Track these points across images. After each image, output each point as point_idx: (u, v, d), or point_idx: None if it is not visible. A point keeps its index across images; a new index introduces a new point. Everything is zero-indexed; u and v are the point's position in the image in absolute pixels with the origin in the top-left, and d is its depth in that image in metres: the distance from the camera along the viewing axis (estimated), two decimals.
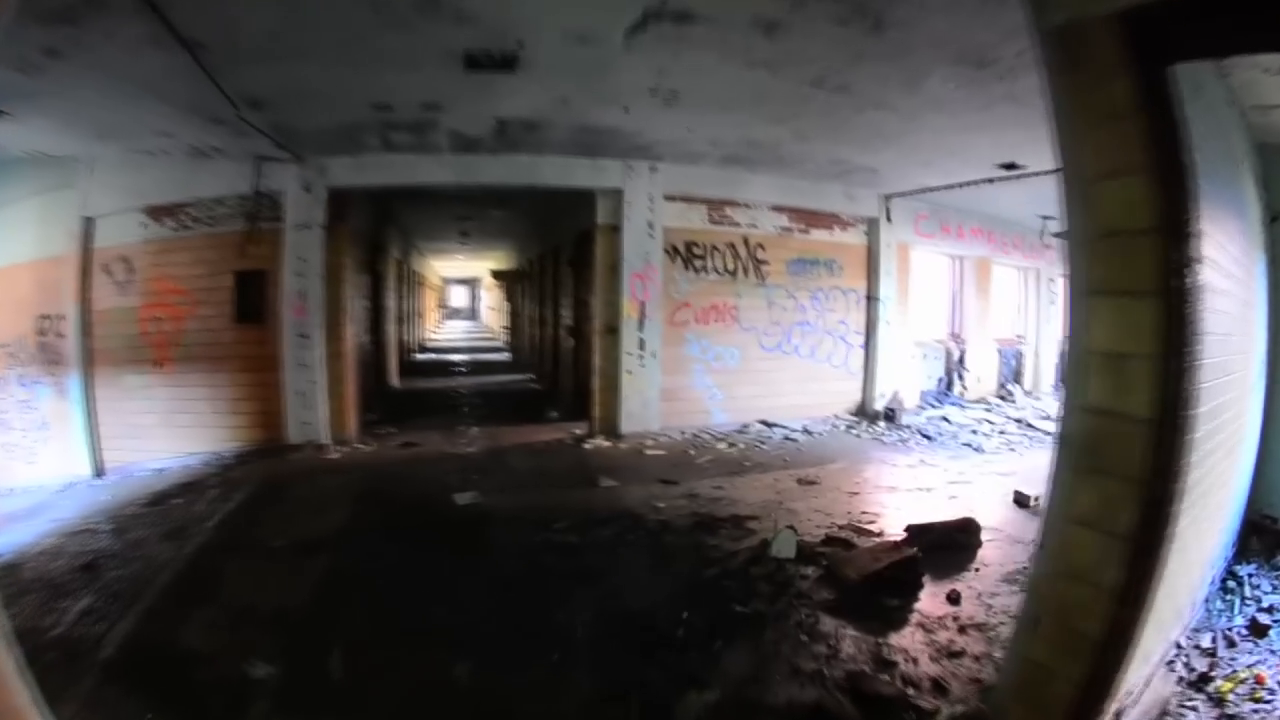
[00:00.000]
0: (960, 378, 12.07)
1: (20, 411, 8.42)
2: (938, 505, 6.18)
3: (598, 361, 8.68)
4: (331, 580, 4.48)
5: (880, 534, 5.33)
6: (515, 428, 9.45)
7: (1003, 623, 3.83)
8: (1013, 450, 8.81)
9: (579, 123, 6.77)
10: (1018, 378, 13.51)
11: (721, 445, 8.36)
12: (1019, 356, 13.66)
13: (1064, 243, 2.46)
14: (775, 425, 9.24)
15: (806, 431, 9.19)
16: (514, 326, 21.26)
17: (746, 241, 9.33)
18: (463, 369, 17.50)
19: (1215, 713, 3.01)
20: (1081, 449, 2.36)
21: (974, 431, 9.78)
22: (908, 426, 9.80)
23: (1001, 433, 9.84)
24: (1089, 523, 2.31)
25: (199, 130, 6.66)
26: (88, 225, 8.11)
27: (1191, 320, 2.15)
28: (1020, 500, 6.31)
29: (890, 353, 10.54)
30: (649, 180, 8.52)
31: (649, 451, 8.00)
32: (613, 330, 8.54)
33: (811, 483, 6.83)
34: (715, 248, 9.11)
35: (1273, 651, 3.49)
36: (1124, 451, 2.23)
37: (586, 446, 8.23)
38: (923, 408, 10.91)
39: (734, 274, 9.26)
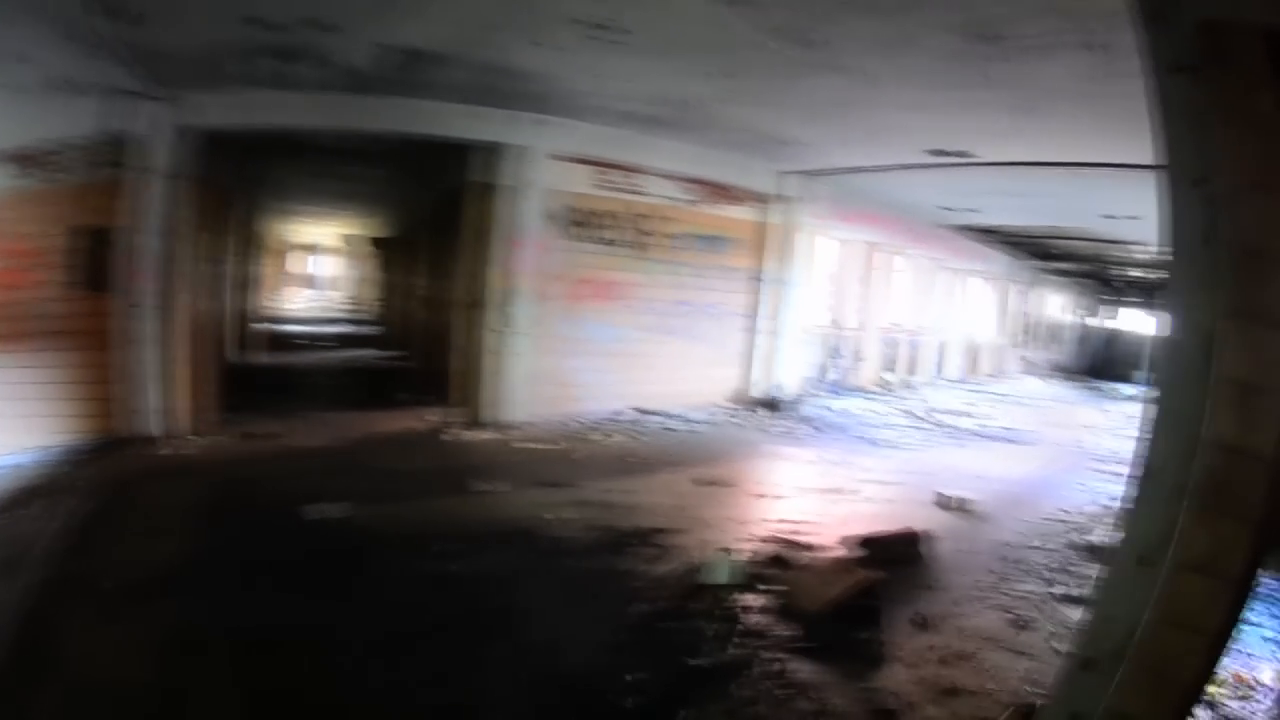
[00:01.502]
0: (843, 366, 11.87)
1: None
2: (858, 509, 5.81)
3: (462, 339, 7.63)
4: (171, 645, 3.21)
5: (813, 547, 4.77)
6: (380, 414, 8.19)
7: (981, 649, 3.60)
8: (911, 445, 8.59)
9: (489, 60, 5.65)
10: (898, 367, 13.58)
11: (597, 436, 7.52)
12: (900, 345, 13.70)
13: (1168, 247, 2.23)
14: (652, 413, 8.52)
15: (686, 420, 8.53)
16: (386, 299, 19.43)
17: (632, 210, 8.42)
18: (328, 343, 15.76)
19: (1211, 715, 3.07)
20: (1203, 487, 2.11)
21: (864, 423, 9.53)
22: (793, 416, 9.36)
23: (890, 424, 9.67)
24: (1201, 568, 2.10)
25: (47, 52, 5.31)
26: None
27: None
28: (943, 503, 6.03)
29: (775, 338, 10.04)
30: (537, 135, 7.43)
31: (519, 444, 7.01)
32: (478, 304, 7.46)
33: (711, 484, 6.16)
34: (598, 216, 8.14)
35: (1241, 651, 3.58)
36: (1246, 491, 2.05)
37: (451, 437, 7.15)
38: (806, 396, 10.56)
39: (615, 246, 8.34)
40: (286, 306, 25.11)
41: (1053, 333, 22.45)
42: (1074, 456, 9.00)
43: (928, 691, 3.18)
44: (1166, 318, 2.30)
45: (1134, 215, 9.82)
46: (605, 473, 6.23)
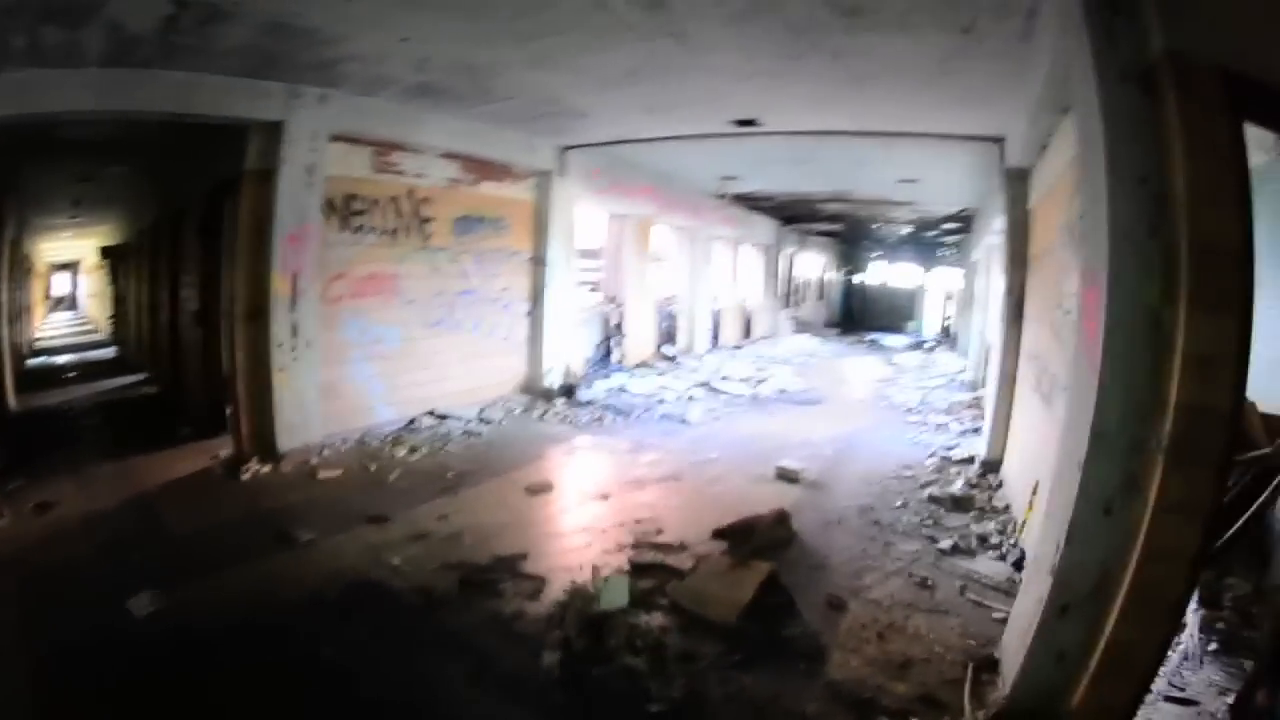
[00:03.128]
0: (619, 343, 11.77)
1: None
2: (701, 495, 5.74)
3: (241, 358, 6.46)
4: None
5: (684, 546, 4.58)
6: (150, 456, 6.83)
7: (906, 617, 3.70)
8: (717, 419, 8.71)
9: (275, 13, 4.76)
10: (677, 339, 13.81)
11: (401, 451, 6.80)
12: (678, 318, 13.93)
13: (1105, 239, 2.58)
14: (447, 416, 7.93)
15: (484, 420, 8.04)
16: (119, 315, 16.68)
17: (412, 195, 7.71)
18: (72, 374, 13.31)
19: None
20: (1175, 443, 2.43)
21: (662, 400, 9.53)
22: (590, 402, 9.17)
23: (691, 399, 9.77)
24: (1178, 509, 2.44)
25: None
26: None
27: (1248, 325, 2.43)
28: (787, 476, 6.11)
29: (558, 322, 9.72)
30: (316, 113, 6.47)
31: (323, 474, 6.15)
32: (259, 314, 6.41)
33: (541, 491, 5.78)
34: (377, 202, 7.35)
35: None
36: (1210, 443, 2.42)
37: (245, 477, 6.07)
38: (594, 378, 10.42)
39: (396, 235, 7.59)
40: (47, 333, 21.38)
41: (820, 291, 24.38)
42: (882, 411, 9.54)
43: (884, 670, 3.19)
44: (1107, 297, 2.54)
45: (916, 179, 10.74)
46: (429, 494, 5.64)
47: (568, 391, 9.29)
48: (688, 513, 5.16)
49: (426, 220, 7.88)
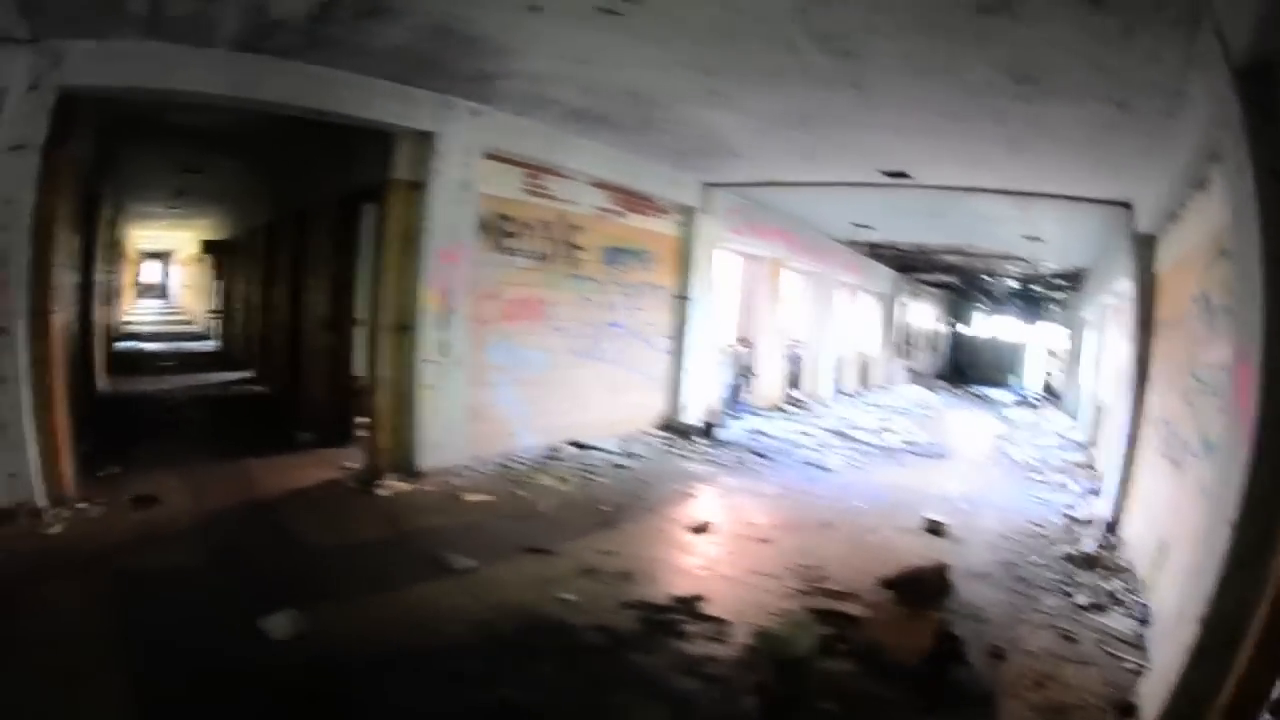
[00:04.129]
0: (749, 384, 11.77)
1: None
2: (857, 544, 5.68)
3: (384, 370, 6.38)
4: None
5: (851, 593, 4.55)
6: (265, 459, 6.70)
7: (1056, 668, 3.79)
8: (857, 468, 8.65)
9: (445, 18, 4.55)
10: (797, 383, 13.77)
11: (547, 480, 6.65)
12: (802, 362, 14.00)
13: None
14: (589, 447, 7.82)
15: (628, 454, 7.93)
16: (226, 311, 16.73)
17: (562, 220, 7.67)
18: (169, 364, 13.58)
19: None
20: None
21: (799, 445, 9.49)
22: (728, 443, 9.09)
23: (826, 446, 9.70)
24: None
25: None
26: None
27: None
28: (932, 528, 6.06)
29: (697, 359, 9.74)
30: (469, 127, 6.42)
31: (469, 497, 5.99)
32: (406, 327, 6.36)
33: (700, 530, 5.67)
34: (529, 225, 7.31)
35: None
36: None
37: (381, 492, 5.92)
38: (726, 418, 10.36)
39: (546, 260, 7.56)
40: (141, 320, 22.15)
41: (929, 341, 24.19)
42: (1004, 467, 9.54)
43: (1046, 716, 3.31)
44: (1262, 374, 2.67)
45: (1037, 236, 10.78)
46: (585, 527, 5.50)
47: (705, 430, 9.26)
48: (848, 560, 5.14)
49: (576, 248, 7.88)
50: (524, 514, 5.75)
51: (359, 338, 7.29)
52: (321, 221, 8.22)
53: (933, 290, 23.19)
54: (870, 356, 17.89)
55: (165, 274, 34.13)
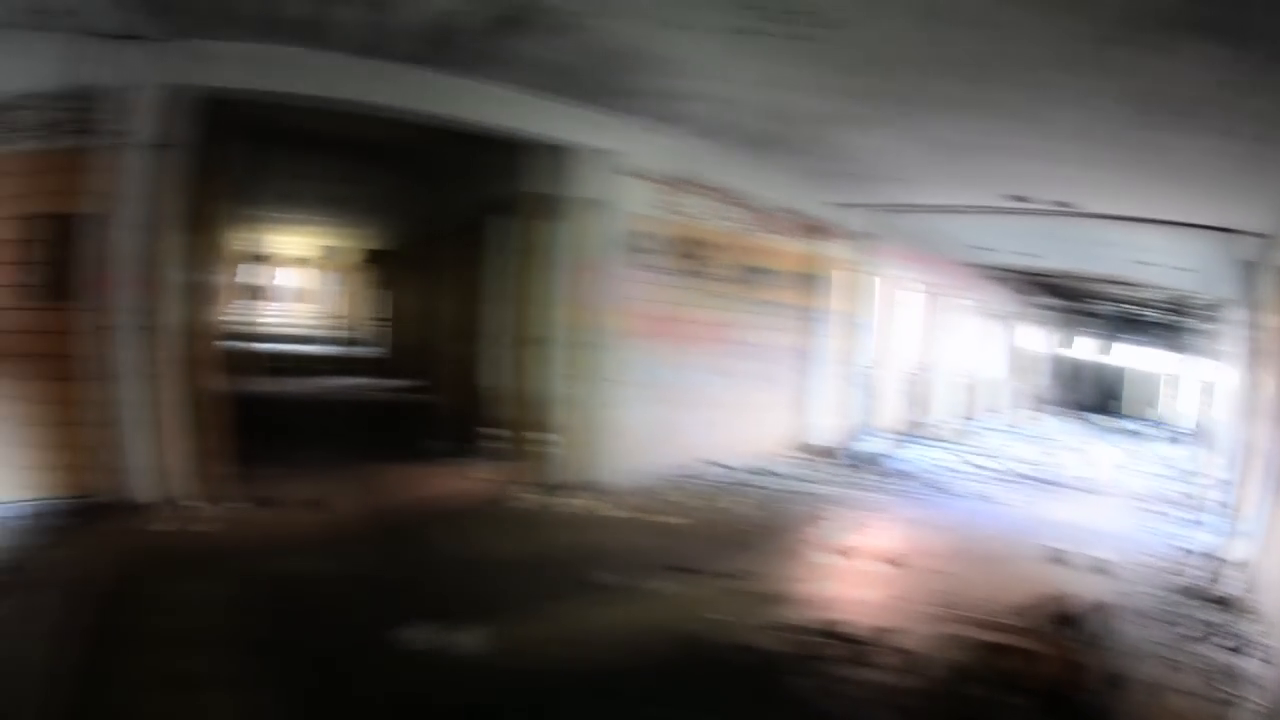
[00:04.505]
0: (878, 407, 11.49)
1: None
2: (1007, 573, 5.44)
3: (526, 384, 6.60)
4: None
5: (1011, 625, 4.38)
6: (422, 468, 6.96)
7: (1207, 704, 3.66)
8: (990, 495, 8.34)
9: (607, 32, 4.50)
10: (922, 407, 13.41)
11: (689, 499, 6.66)
12: (922, 385, 13.55)
13: None
14: (728, 466, 7.79)
15: (767, 474, 7.86)
16: (388, 319, 17.26)
17: (702, 238, 7.71)
18: (326, 367, 14.31)
19: None
20: None
21: (932, 470, 9.27)
22: (863, 465, 8.94)
23: (958, 471, 9.49)
24: None
25: None
26: None
27: None
28: (1073, 561, 5.80)
29: (832, 380, 9.68)
30: (620, 142, 6.53)
31: (611, 514, 6.07)
32: (548, 342, 6.57)
33: (848, 555, 5.53)
34: (669, 242, 7.38)
35: None
36: None
37: (525, 504, 6.12)
38: (856, 441, 10.14)
39: (686, 277, 7.61)
40: (273, 320, 23.65)
41: (1042, 365, 22.79)
42: (1133, 499, 9.11)
43: None
44: None
45: (1163, 264, 10.36)
46: (730, 548, 5.36)
47: (841, 453, 9.23)
48: (1001, 591, 4.94)
49: (715, 266, 7.88)
50: (665, 531, 5.75)
51: (505, 350, 7.52)
52: (477, 233, 8.52)
53: (1045, 314, 21.76)
54: (988, 380, 17.13)
55: (305, 278, 36.26)
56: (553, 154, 6.43)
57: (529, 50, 4.89)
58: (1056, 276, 14.38)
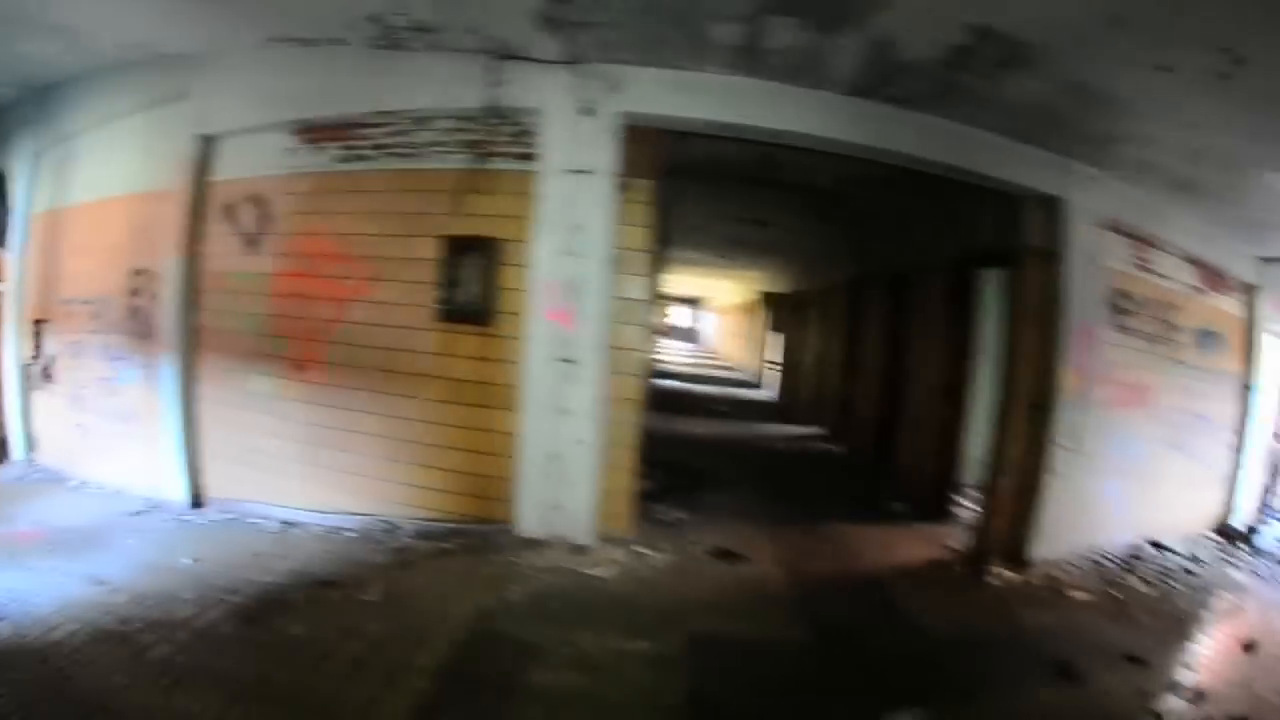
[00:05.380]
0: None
1: (100, 391, 6.10)
2: None
3: (1012, 451, 5.82)
4: None
5: None
6: (855, 527, 6.43)
7: None
8: None
9: (1080, 69, 4.13)
10: None
11: (1135, 580, 5.83)
12: None
13: None
14: (1164, 547, 6.78)
15: (1194, 558, 6.68)
16: (787, 364, 16.69)
17: (1165, 299, 6.70)
18: (723, 408, 14.18)
19: None
20: None
21: None
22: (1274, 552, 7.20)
23: None
24: None
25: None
26: (204, 148, 5.55)
27: None
28: None
29: (1254, 455, 8.13)
30: (1089, 193, 5.72)
31: (1071, 593, 5.38)
32: (1040, 407, 5.75)
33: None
34: (1140, 303, 6.44)
35: None
36: None
37: (991, 580, 5.43)
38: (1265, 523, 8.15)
39: (1152, 342, 6.64)
40: (671, 361, 24.73)
41: None
42: None
43: None
44: None
45: None
46: (1169, 636, 4.73)
47: (1250, 534, 7.64)
48: None
49: (1173, 329, 6.90)
50: (1119, 615, 5.12)
51: (975, 411, 7.09)
52: (928, 285, 8.06)
53: None
54: None
55: (695, 318, 37.35)
56: (1032, 205, 5.87)
57: (994, 88, 4.55)
58: None
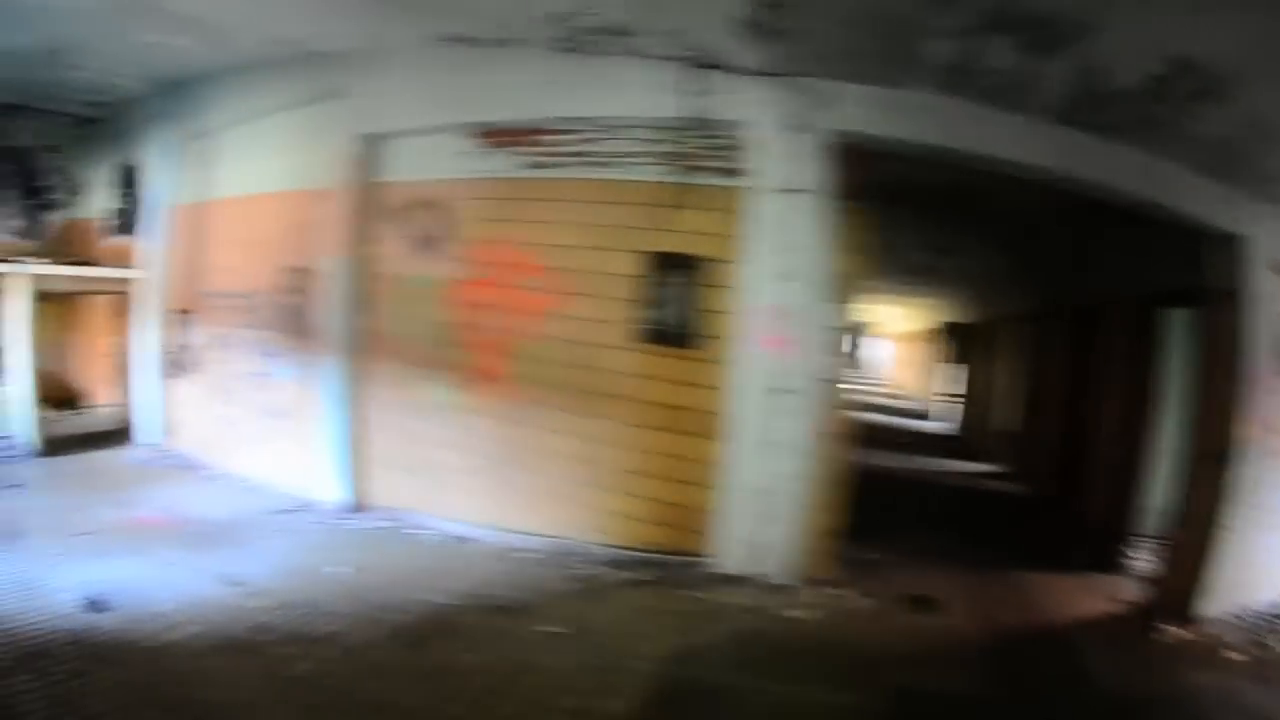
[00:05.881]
0: None
1: (249, 385, 6.22)
2: None
3: (1193, 501, 5.51)
4: None
5: None
6: (1040, 575, 6.15)
7: None
8: None
9: (1267, 104, 4.08)
10: None
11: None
12: None
13: None
14: None
15: None
16: (971, 396, 16.06)
17: None
18: (904, 440, 13.82)
19: None
20: None
21: None
22: None
23: None
24: None
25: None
26: (368, 147, 5.57)
27: None
28: None
29: None
30: (1268, 231, 5.31)
31: (1233, 655, 4.94)
32: (1220, 457, 5.38)
33: None
34: None
35: None
36: None
37: (1161, 637, 5.16)
38: None
39: None
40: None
41: None
42: None
43: None
44: None
45: None
46: None
47: None
48: None
49: None
50: (1268, 679, 4.66)
51: (1155, 458, 6.69)
52: (1110, 322, 7.71)
53: None
54: None
55: (855, 344, 35.83)
56: (1214, 243, 5.53)
57: (1184, 120, 4.41)
58: None
